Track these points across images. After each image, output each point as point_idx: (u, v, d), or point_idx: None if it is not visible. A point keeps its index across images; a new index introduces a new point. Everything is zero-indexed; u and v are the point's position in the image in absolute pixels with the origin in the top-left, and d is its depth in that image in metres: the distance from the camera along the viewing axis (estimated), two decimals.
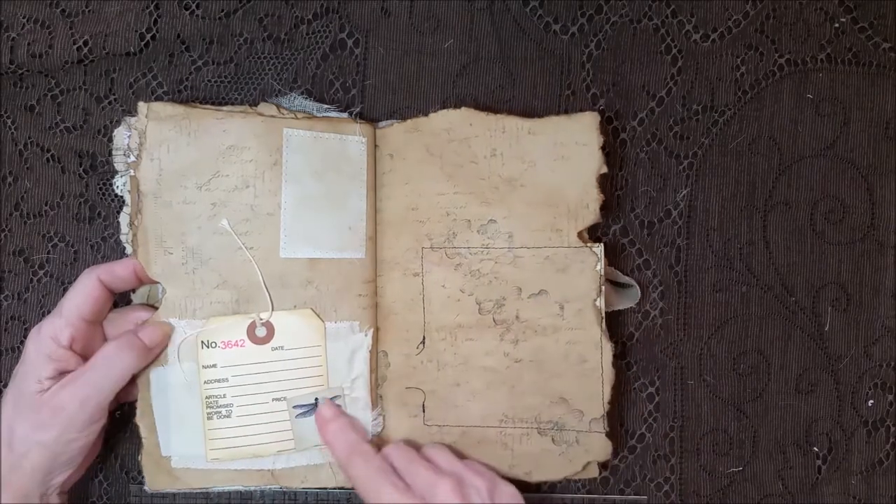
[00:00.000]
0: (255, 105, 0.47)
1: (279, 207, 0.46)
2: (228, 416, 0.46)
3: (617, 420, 0.51)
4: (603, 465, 0.51)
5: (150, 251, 0.45)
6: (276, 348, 0.46)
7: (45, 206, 0.50)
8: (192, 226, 0.45)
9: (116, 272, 0.45)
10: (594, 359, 0.48)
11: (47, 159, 0.50)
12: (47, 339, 0.43)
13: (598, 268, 0.48)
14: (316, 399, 0.47)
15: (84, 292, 0.44)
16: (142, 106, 0.45)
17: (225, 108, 0.47)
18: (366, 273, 0.48)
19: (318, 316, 0.47)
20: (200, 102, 0.48)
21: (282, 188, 0.46)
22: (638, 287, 0.51)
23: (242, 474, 0.47)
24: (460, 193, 0.48)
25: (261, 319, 0.46)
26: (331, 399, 0.47)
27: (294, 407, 0.46)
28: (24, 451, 0.42)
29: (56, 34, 0.49)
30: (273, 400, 0.46)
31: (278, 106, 0.47)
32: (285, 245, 0.46)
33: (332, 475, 0.48)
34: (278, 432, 0.46)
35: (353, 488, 0.45)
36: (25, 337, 0.49)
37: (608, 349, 0.48)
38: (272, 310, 0.46)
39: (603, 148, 0.48)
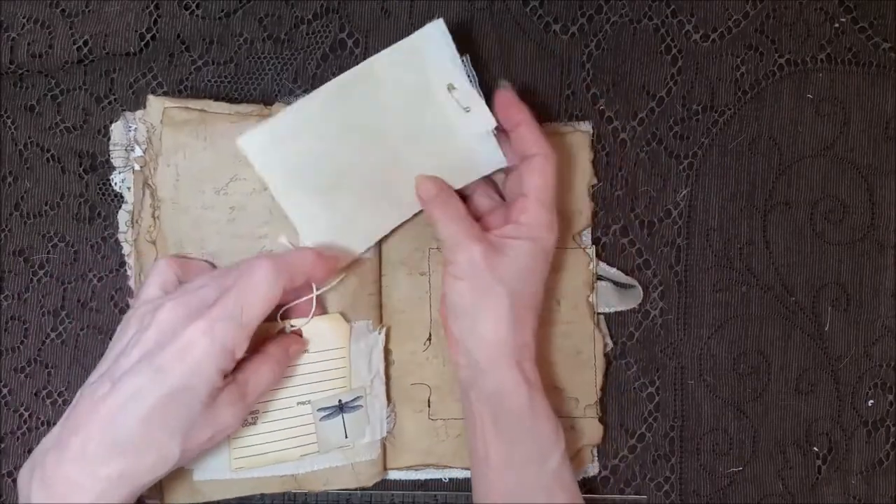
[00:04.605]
0: (270, 104, 0.47)
1: None
2: (254, 423, 0.45)
3: (617, 419, 0.51)
4: (603, 466, 0.51)
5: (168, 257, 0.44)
6: (303, 352, 0.45)
7: (45, 206, 0.50)
8: (211, 230, 0.45)
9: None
10: (588, 350, 0.50)
11: (47, 159, 0.50)
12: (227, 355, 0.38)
13: (591, 267, 0.50)
14: (340, 400, 0.46)
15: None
16: (152, 99, 0.45)
17: (240, 106, 0.46)
18: (374, 273, 0.48)
19: (345, 318, 0.46)
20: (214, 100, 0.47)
21: None
22: (640, 288, 0.51)
23: (264, 481, 0.46)
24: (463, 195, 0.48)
25: (292, 326, 0.45)
26: (354, 399, 0.47)
27: (318, 410, 0.46)
28: None
29: (56, 34, 0.49)
30: (298, 404, 0.45)
31: None
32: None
33: (354, 476, 0.47)
34: (302, 436, 0.45)
35: (366, 488, 0.48)
36: (25, 337, 0.49)
37: (600, 340, 0.50)
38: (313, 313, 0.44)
39: (593, 162, 0.50)
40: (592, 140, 0.50)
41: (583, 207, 0.50)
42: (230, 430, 0.40)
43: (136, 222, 0.46)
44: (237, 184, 0.45)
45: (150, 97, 0.46)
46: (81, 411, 0.37)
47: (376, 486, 0.49)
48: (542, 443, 0.43)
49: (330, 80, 0.50)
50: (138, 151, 0.46)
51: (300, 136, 0.43)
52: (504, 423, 0.43)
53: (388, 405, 0.48)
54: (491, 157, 0.45)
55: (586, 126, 0.51)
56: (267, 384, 0.42)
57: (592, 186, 0.50)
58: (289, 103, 0.46)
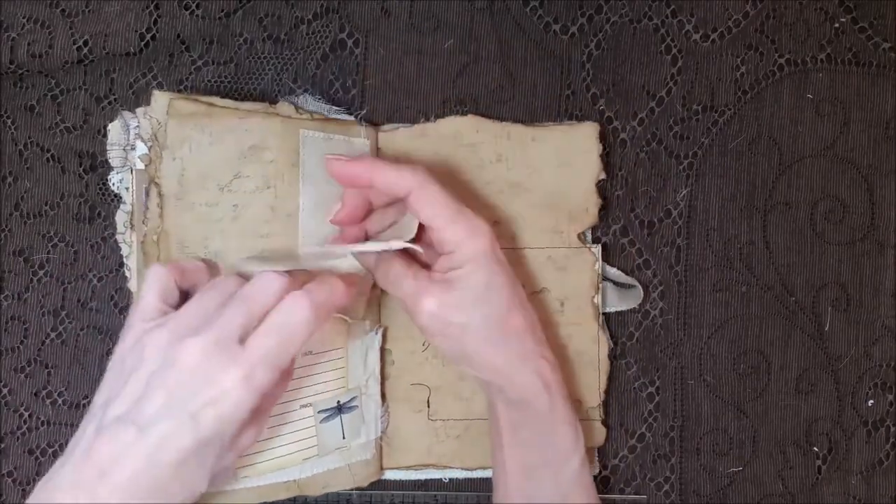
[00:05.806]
0: (274, 103, 0.46)
1: (298, 208, 0.45)
2: None
3: (617, 419, 0.51)
4: (603, 466, 0.51)
5: (171, 256, 0.44)
6: (306, 353, 0.45)
7: (45, 206, 0.50)
8: (215, 229, 0.44)
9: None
10: (591, 351, 0.49)
11: (47, 159, 0.50)
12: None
13: (597, 267, 0.49)
14: (338, 402, 0.46)
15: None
16: (157, 94, 0.44)
17: (245, 104, 0.46)
18: None
19: (344, 318, 0.46)
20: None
21: (300, 189, 0.45)
22: (640, 288, 0.51)
23: (267, 489, 0.46)
24: (466, 197, 0.48)
25: None
26: (350, 399, 0.47)
27: (318, 412, 0.46)
28: None
29: (56, 34, 0.49)
30: (301, 407, 0.45)
31: (296, 106, 0.47)
32: (304, 246, 0.45)
33: (350, 476, 0.47)
34: (304, 440, 0.45)
35: (363, 488, 0.48)
36: (25, 337, 0.49)
37: (604, 342, 0.50)
38: None
39: (601, 155, 0.49)
40: (601, 133, 0.50)
41: (589, 205, 0.49)
42: (250, 446, 0.41)
43: (143, 223, 0.45)
44: (241, 181, 0.45)
45: (156, 92, 0.45)
46: (105, 457, 0.35)
47: (376, 487, 0.49)
48: (563, 446, 0.44)
49: (329, 80, 0.50)
50: (141, 149, 0.46)
51: None
52: (527, 428, 0.43)
53: (383, 405, 0.48)
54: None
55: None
56: (279, 396, 0.42)
57: (599, 182, 0.50)
58: (292, 102, 0.47)
